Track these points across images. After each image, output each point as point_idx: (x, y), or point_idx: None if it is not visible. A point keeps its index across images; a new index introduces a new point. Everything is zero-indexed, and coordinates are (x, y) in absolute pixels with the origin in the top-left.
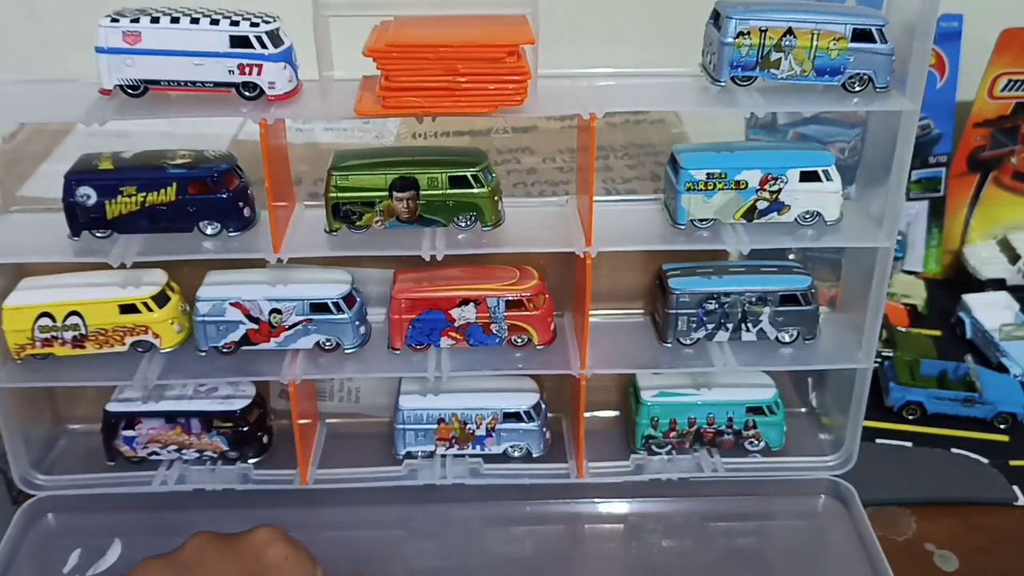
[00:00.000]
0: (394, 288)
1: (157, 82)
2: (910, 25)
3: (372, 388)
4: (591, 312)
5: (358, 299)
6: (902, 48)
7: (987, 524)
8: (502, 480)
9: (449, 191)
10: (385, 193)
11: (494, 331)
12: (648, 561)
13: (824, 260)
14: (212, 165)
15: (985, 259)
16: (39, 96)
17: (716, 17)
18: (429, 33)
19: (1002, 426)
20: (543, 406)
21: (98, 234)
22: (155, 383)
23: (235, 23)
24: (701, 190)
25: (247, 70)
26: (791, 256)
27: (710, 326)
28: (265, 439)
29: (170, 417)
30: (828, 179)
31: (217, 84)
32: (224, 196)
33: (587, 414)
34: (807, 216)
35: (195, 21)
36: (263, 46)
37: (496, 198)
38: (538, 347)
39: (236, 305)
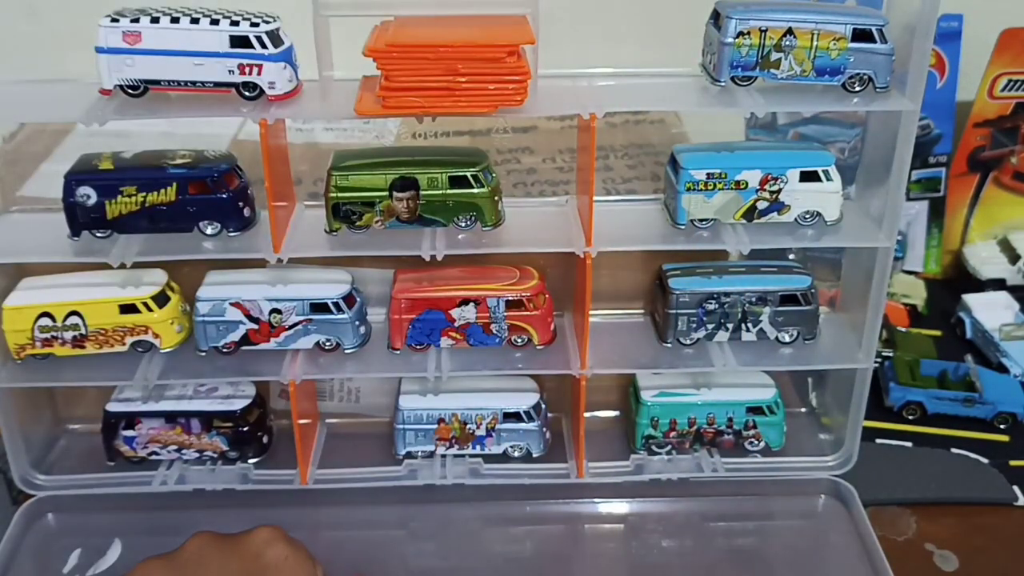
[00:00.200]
0: (394, 288)
1: (157, 82)
2: (910, 25)
3: (372, 388)
4: (591, 312)
5: (358, 299)
6: (902, 48)
7: (987, 524)
8: (502, 480)
9: (449, 191)
10: (385, 193)
11: (494, 331)
12: (648, 561)
13: (824, 260)
14: (212, 165)
15: (985, 259)
16: (39, 96)
17: (716, 17)
18: (429, 33)
19: (1002, 426)
20: (543, 406)
21: (98, 234)
22: (155, 383)
23: (235, 23)
24: (701, 190)
25: (247, 70)
26: (791, 256)
27: (710, 326)
28: (265, 439)
29: (170, 417)
30: (828, 179)
31: (217, 84)
32: (224, 196)
33: (587, 414)
34: (807, 216)
35: (195, 21)
36: (263, 46)
37: (496, 198)
38: (538, 347)
39: (236, 305)
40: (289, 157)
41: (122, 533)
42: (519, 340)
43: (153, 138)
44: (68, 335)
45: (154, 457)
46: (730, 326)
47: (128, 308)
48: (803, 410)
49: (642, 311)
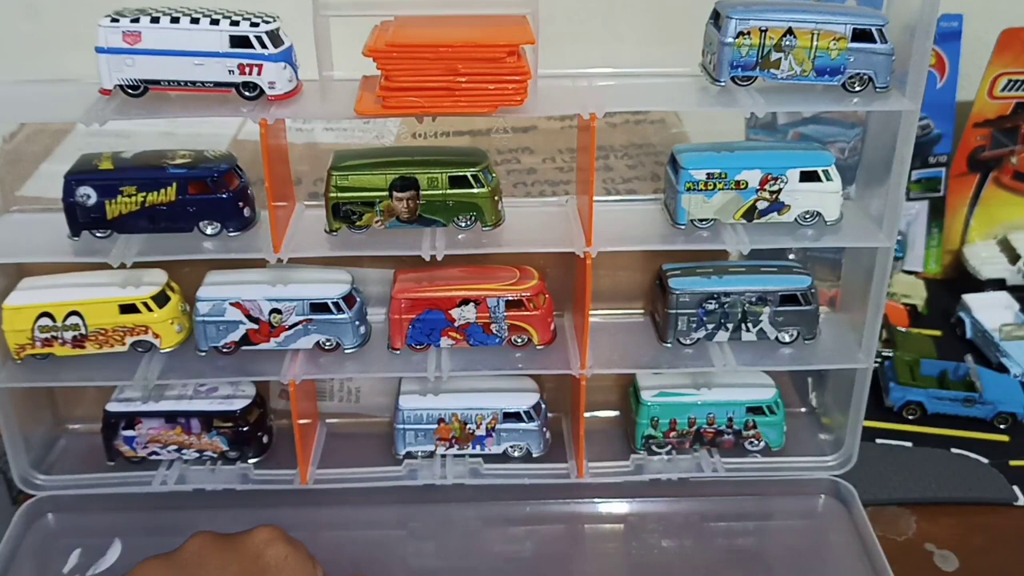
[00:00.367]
0: (394, 288)
1: (157, 82)
2: (910, 25)
3: (372, 388)
4: (591, 312)
5: (358, 299)
6: (902, 48)
7: (987, 524)
8: (502, 480)
9: (449, 191)
10: (385, 193)
11: (494, 331)
12: (648, 561)
13: (824, 260)
14: (212, 165)
15: (985, 259)
16: (39, 96)
17: (716, 17)
18: (429, 33)
19: (1002, 426)
20: (543, 406)
21: (98, 234)
22: (155, 383)
23: (235, 23)
24: (701, 190)
25: (247, 70)
26: (791, 256)
27: (710, 326)
28: (265, 439)
29: (170, 417)
30: (828, 179)
31: (217, 84)
32: (224, 196)
33: (587, 414)
34: (807, 216)
35: (195, 21)
36: (263, 46)
37: (496, 198)
38: (538, 347)
39: (236, 305)
40: (289, 157)
41: (122, 533)
42: (519, 340)
43: (153, 138)
44: (68, 335)
45: (154, 457)
46: (730, 326)
47: (128, 308)
48: (803, 410)
49: (642, 311)
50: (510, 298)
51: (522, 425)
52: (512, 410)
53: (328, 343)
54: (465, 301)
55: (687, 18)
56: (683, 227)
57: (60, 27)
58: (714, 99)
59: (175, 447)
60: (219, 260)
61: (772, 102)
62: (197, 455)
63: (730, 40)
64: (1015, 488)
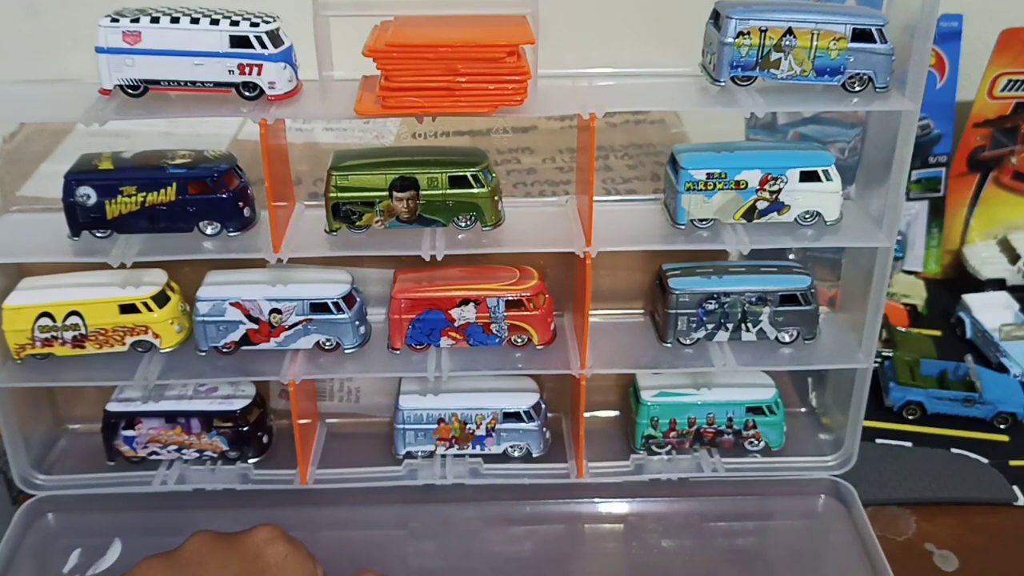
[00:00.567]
0: (394, 288)
1: (157, 82)
2: (910, 25)
3: (372, 388)
4: (591, 312)
5: (358, 299)
6: (902, 48)
7: (987, 524)
8: (502, 480)
9: (449, 191)
10: (385, 193)
11: (494, 331)
12: (648, 561)
13: (824, 260)
14: (212, 165)
15: (985, 259)
16: (39, 96)
17: (716, 17)
18: (429, 33)
19: (1002, 426)
20: (543, 406)
21: (98, 234)
22: (155, 383)
23: (235, 23)
24: (701, 190)
25: (247, 70)
26: (791, 256)
27: (710, 326)
28: (265, 439)
29: (170, 417)
30: (828, 179)
31: (217, 84)
32: (224, 196)
33: (587, 414)
34: (807, 216)
35: (195, 21)
36: (263, 46)
37: (496, 198)
38: (538, 347)
39: (236, 305)
40: (289, 157)
41: (122, 533)
42: (519, 340)
43: (153, 138)
44: (68, 335)
45: (154, 457)
46: (730, 326)
47: (128, 308)
48: (803, 410)
49: (642, 311)
50: (510, 298)
51: (522, 425)
52: (512, 410)
53: (328, 343)
54: (465, 301)
55: (687, 18)
56: (683, 227)
57: (60, 27)
58: (714, 99)
59: (175, 447)
60: (219, 260)
61: (772, 102)
62: (197, 455)
63: (730, 40)
64: (1015, 488)
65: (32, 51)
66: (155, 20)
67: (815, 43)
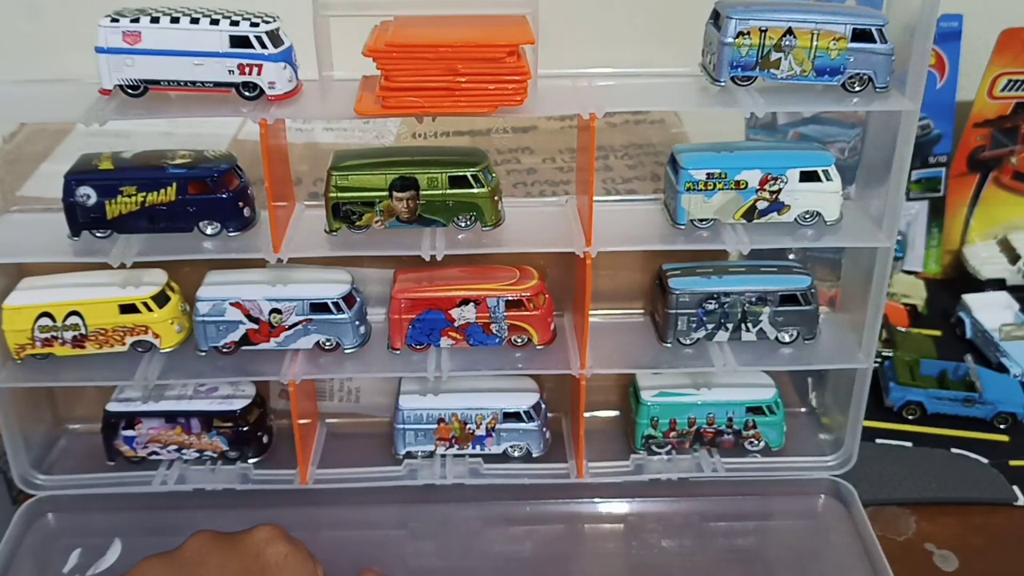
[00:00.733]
0: (394, 288)
1: (157, 82)
2: (910, 25)
3: (372, 388)
4: (591, 312)
5: (358, 299)
6: (902, 48)
7: (987, 524)
8: (502, 480)
9: (449, 191)
10: (385, 193)
11: (494, 331)
12: (648, 561)
13: (824, 260)
14: (212, 165)
15: (985, 259)
16: (39, 96)
17: (716, 17)
18: (429, 33)
19: (1002, 426)
20: (543, 406)
21: (98, 234)
22: (155, 383)
23: (235, 23)
24: (701, 190)
25: (247, 70)
26: (791, 256)
27: (710, 326)
28: (265, 439)
29: (170, 417)
30: (828, 179)
31: (217, 84)
32: (224, 196)
33: (587, 414)
34: (807, 216)
35: (195, 21)
36: (263, 46)
37: (496, 198)
38: (538, 347)
39: (236, 305)
40: (289, 157)
41: (122, 533)
42: (519, 340)
43: (153, 138)
44: (68, 335)
45: (154, 457)
46: (730, 326)
47: (128, 308)
48: (803, 410)
49: (642, 311)
50: (510, 298)
51: (522, 425)
52: (512, 410)
53: (328, 343)
54: (465, 301)
55: (687, 18)
56: (683, 227)
57: (60, 27)
58: (714, 99)
59: (175, 447)
60: (219, 260)
61: (772, 102)
62: (197, 455)
63: (730, 40)
64: (1015, 488)
65: (32, 51)
66: (155, 20)
67: (815, 43)
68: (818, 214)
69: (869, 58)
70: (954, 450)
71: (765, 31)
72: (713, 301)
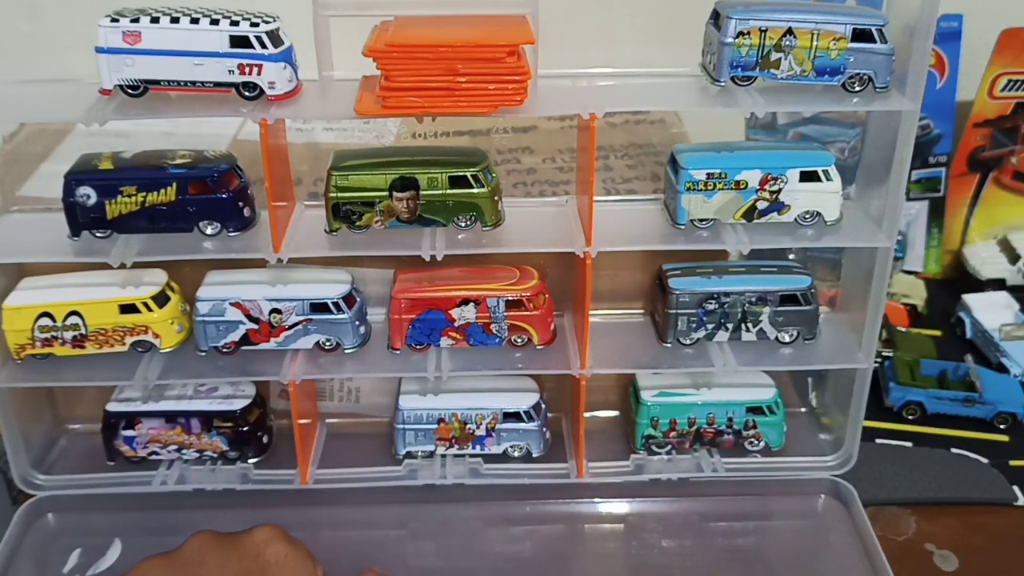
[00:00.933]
0: (394, 288)
1: (157, 82)
2: (910, 25)
3: (372, 388)
4: (591, 312)
5: (358, 299)
6: (902, 48)
7: (987, 524)
8: (502, 480)
9: (449, 191)
10: (385, 193)
11: (494, 331)
12: (648, 561)
13: (824, 260)
14: (212, 165)
15: (985, 259)
16: (39, 96)
17: (716, 17)
18: (429, 33)
19: (1002, 426)
20: (543, 406)
21: (98, 234)
22: (155, 383)
23: (235, 23)
24: (701, 190)
25: (247, 70)
26: (791, 256)
27: (710, 326)
28: (265, 439)
29: (170, 417)
30: (828, 179)
31: (217, 84)
32: (224, 196)
33: (587, 414)
34: (807, 216)
35: (195, 21)
36: (263, 46)
37: (496, 198)
38: (538, 347)
39: (236, 305)
40: (289, 157)
41: (122, 533)
42: (519, 340)
43: (153, 138)
44: (68, 335)
45: (154, 457)
46: (730, 326)
47: (128, 308)
48: (803, 410)
49: (642, 311)
50: (510, 298)
51: (522, 425)
52: (512, 410)
53: (328, 343)
54: (465, 301)
55: (687, 18)
56: (683, 227)
57: (60, 27)
58: (714, 99)
59: (175, 447)
60: (219, 260)
61: (772, 102)
62: (197, 455)
63: (730, 40)
64: (1015, 488)
65: (32, 51)
66: (155, 20)
67: (815, 43)
68: (818, 214)
69: (869, 58)
70: (954, 450)
71: (765, 31)
72: (713, 301)
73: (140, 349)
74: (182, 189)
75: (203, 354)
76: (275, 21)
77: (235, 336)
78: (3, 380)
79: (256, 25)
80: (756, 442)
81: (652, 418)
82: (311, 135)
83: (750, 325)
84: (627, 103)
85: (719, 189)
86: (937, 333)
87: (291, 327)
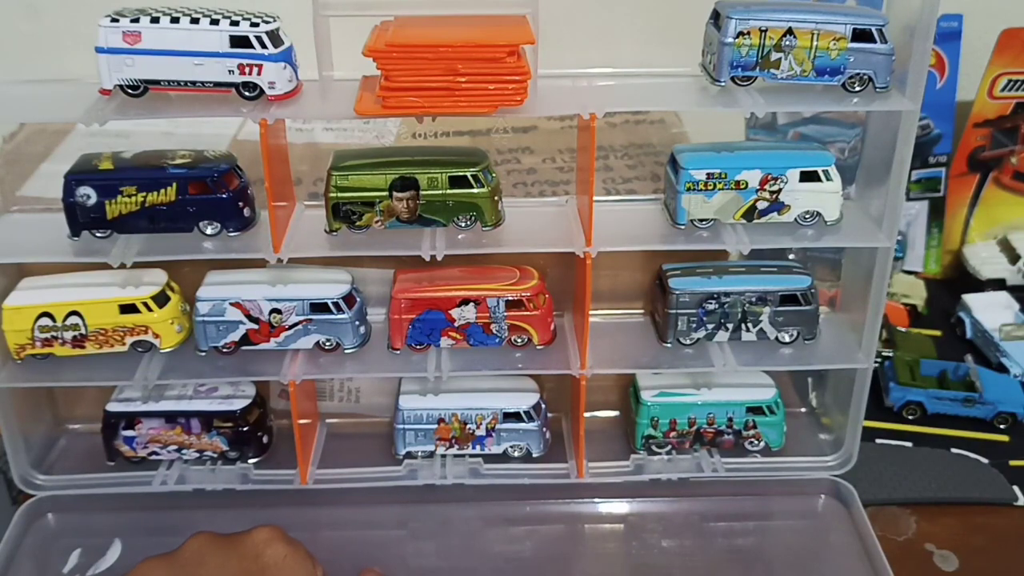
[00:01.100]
0: (394, 288)
1: (157, 82)
2: (910, 25)
3: (372, 388)
4: (591, 312)
5: (358, 299)
6: (902, 48)
7: (987, 524)
8: (502, 480)
9: (449, 191)
10: (385, 193)
11: (494, 331)
12: (648, 561)
13: (824, 260)
14: (212, 165)
15: (985, 259)
16: (39, 96)
17: (716, 17)
18: (429, 33)
19: (1002, 426)
20: (543, 406)
21: (98, 234)
22: (155, 383)
23: (235, 23)
24: (701, 190)
25: (247, 70)
26: (791, 256)
27: (710, 326)
28: (265, 439)
29: (170, 417)
30: (828, 179)
31: (217, 84)
32: (224, 196)
33: (587, 414)
34: (807, 216)
35: (195, 21)
36: (263, 46)
37: (496, 198)
38: (538, 347)
39: (236, 305)
40: (289, 157)
41: (122, 533)
42: (519, 340)
43: (153, 138)
44: (68, 335)
45: (154, 457)
46: (730, 326)
47: (128, 308)
48: (803, 410)
49: (642, 311)
50: (510, 298)
51: (522, 425)
52: (512, 410)
53: (328, 343)
54: (465, 301)
55: (687, 18)
56: (683, 227)
57: (60, 27)
58: (714, 99)
59: (175, 447)
60: (219, 260)
61: (772, 102)
62: (197, 455)
63: (730, 40)
64: (1015, 488)
65: (32, 51)
66: (155, 20)
67: (815, 43)
68: (818, 214)
69: (869, 58)
70: (954, 450)
71: (765, 31)
72: (713, 301)
73: (140, 349)
74: (182, 189)
75: (203, 354)
76: (275, 21)
77: (235, 336)
78: (3, 380)
79: (256, 25)
80: (756, 442)
81: (652, 418)
82: (311, 135)
83: (750, 325)
84: (627, 103)
85: (719, 189)
86: (937, 333)
87: (291, 327)
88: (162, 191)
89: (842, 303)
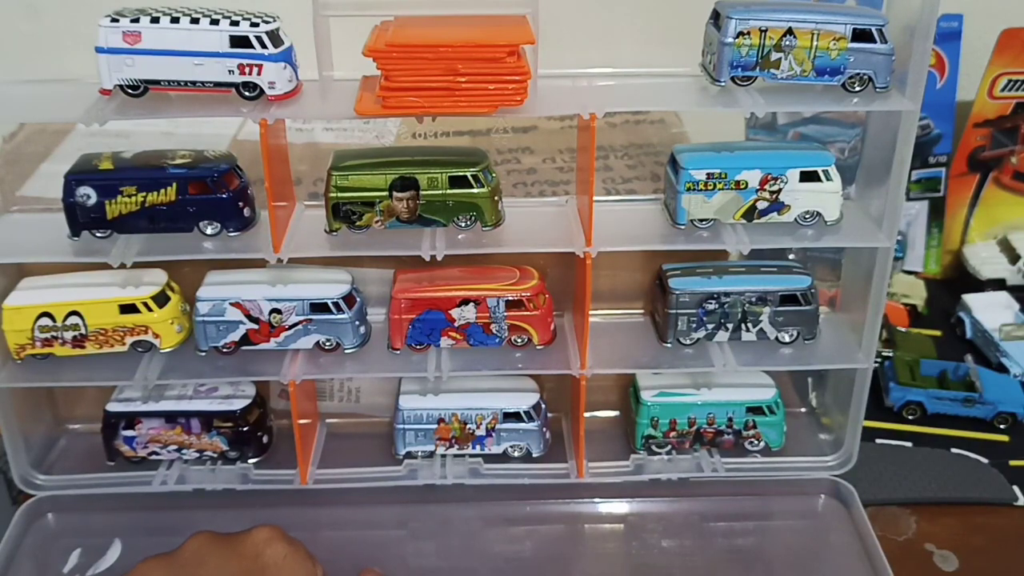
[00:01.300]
0: (394, 288)
1: (157, 82)
2: (910, 25)
3: (372, 388)
4: (591, 312)
5: (358, 299)
6: (902, 48)
7: (987, 524)
8: (502, 480)
9: (449, 191)
10: (385, 193)
11: (494, 331)
12: (648, 561)
13: (824, 260)
14: (212, 165)
15: (985, 259)
16: (39, 96)
17: (716, 17)
18: (429, 33)
19: (1002, 426)
20: (543, 406)
21: (98, 234)
22: (155, 383)
23: (235, 23)
24: (701, 190)
25: (247, 70)
26: (791, 256)
27: (710, 326)
28: (265, 439)
29: (170, 417)
30: (828, 179)
31: (217, 84)
32: (224, 196)
33: (587, 414)
34: (807, 216)
35: (195, 21)
36: (263, 46)
37: (496, 198)
38: (538, 347)
39: (236, 305)
40: (289, 157)
41: (122, 533)
42: (519, 340)
43: (153, 138)
44: (68, 335)
45: (154, 457)
46: (730, 326)
47: (128, 308)
48: (803, 410)
49: (642, 311)
50: (510, 298)
51: (522, 425)
52: (512, 410)
53: (328, 343)
54: (465, 301)
55: (687, 18)
56: (683, 227)
57: (60, 27)
58: (714, 99)
59: (175, 447)
60: (219, 260)
61: (772, 102)
62: (197, 455)
63: (730, 40)
64: (1015, 488)
65: (32, 51)
66: (155, 20)
67: (815, 43)
68: (818, 214)
69: (869, 58)
70: (954, 450)
71: (765, 31)
72: (713, 301)
73: (140, 349)
74: (182, 189)
75: (203, 354)
76: (275, 21)
77: (235, 336)
78: (3, 380)
79: (256, 25)
80: (756, 442)
81: (652, 418)
82: (311, 135)
83: (750, 325)
84: (627, 103)
85: (719, 189)
86: (937, 333)
87: (291, 327)
88: (162, 191)
89: (842, 303)
